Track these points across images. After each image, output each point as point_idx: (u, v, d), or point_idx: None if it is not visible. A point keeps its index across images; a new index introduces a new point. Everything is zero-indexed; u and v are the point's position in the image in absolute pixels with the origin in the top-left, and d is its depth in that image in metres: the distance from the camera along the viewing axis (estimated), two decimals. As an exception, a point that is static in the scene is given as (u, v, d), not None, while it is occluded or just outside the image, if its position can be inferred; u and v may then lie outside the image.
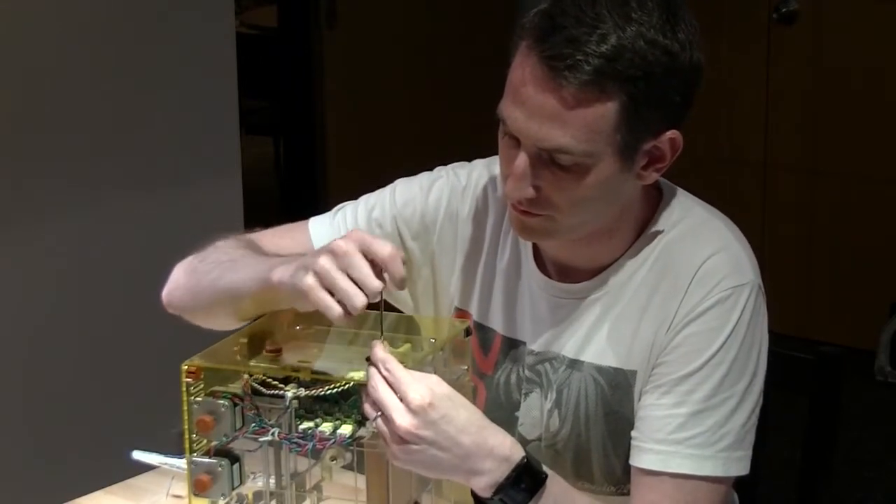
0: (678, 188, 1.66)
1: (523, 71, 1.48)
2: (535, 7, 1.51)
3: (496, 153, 1.76)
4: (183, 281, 1.71)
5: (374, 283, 1.41)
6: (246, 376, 1.54)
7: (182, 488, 1.76)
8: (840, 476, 3.46)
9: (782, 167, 4.47)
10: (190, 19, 3.11)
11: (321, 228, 1.75)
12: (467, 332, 1.61)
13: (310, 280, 1.42)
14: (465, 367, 1.60)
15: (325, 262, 1.42)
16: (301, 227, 1.77)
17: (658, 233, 1.61)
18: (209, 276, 1.65)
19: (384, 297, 1.46)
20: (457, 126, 4.45)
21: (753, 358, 1.57)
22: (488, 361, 1.71)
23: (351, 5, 4.46)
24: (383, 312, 1.49)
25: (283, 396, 1.51)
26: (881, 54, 4.21)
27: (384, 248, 1.42)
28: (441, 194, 1.73)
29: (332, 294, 1.42)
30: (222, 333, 1.61)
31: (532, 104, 1.47)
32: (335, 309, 1.41)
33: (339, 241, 1.43)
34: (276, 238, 1.75)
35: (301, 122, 4.58)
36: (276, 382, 1.52)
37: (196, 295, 1.67)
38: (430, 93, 4.62)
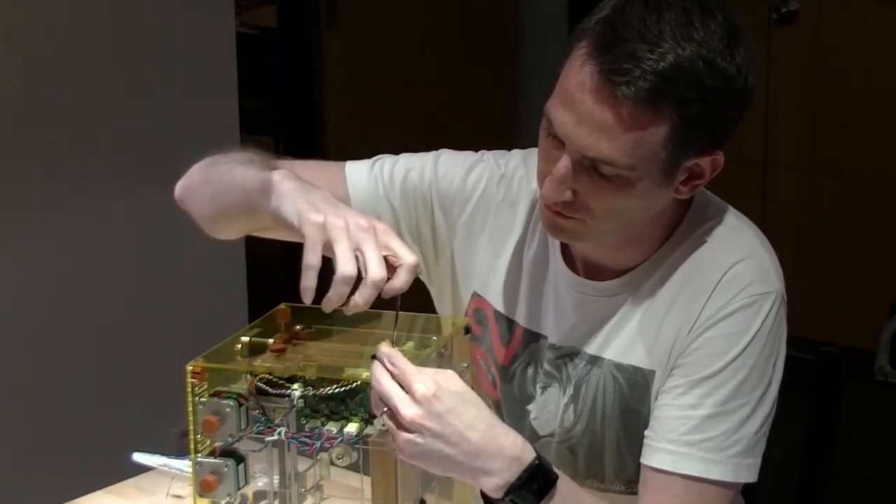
0: (709, 192, 1.65)
1: (579, 78, 1.46)
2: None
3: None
4: (199, 175, 1.68)
5: (377, 273, 1.37)
6: (250, 376, 1.53)
7: (182, 488, 1.76)
8: (840, 476, 3.45)
9: (782, 167, 4.47)
10: (190, 19, 3.11)
11: (360, 177, 1.72)
12: (467, 330, 1.61)
13: (316, 227, 1.40)
14: (466, 365, 1.60)
15: (338, 222, 1.39)
16: (337, 169, 1.73)
17: (687, 236, 1.61)
18: (221, 167, 1.61)
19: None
20: (457, 126, 4.45)
21: (771, 367, 1.57)
22: (507, 352, 1.70)
23: (351, 5, 4.45)
24: (396, 312, 1.48)
25: (288, 396, 1.51)
26: (881, 54, 4.21)
27: (409, 256, 1.40)
28: (480, 178, 1.72)
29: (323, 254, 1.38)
30: (223, 334, 1.61)
31: (583, 111, 1.46)
32: (314, 268, 1.38)
33: (364, 221, 1.40)
34: (308, 172, 1.62)
35: (301, 122, 4.56)
36: (281, 382, 1.52)
37: (204, 187, 1.64)
38: (430, 93, 4.61)
